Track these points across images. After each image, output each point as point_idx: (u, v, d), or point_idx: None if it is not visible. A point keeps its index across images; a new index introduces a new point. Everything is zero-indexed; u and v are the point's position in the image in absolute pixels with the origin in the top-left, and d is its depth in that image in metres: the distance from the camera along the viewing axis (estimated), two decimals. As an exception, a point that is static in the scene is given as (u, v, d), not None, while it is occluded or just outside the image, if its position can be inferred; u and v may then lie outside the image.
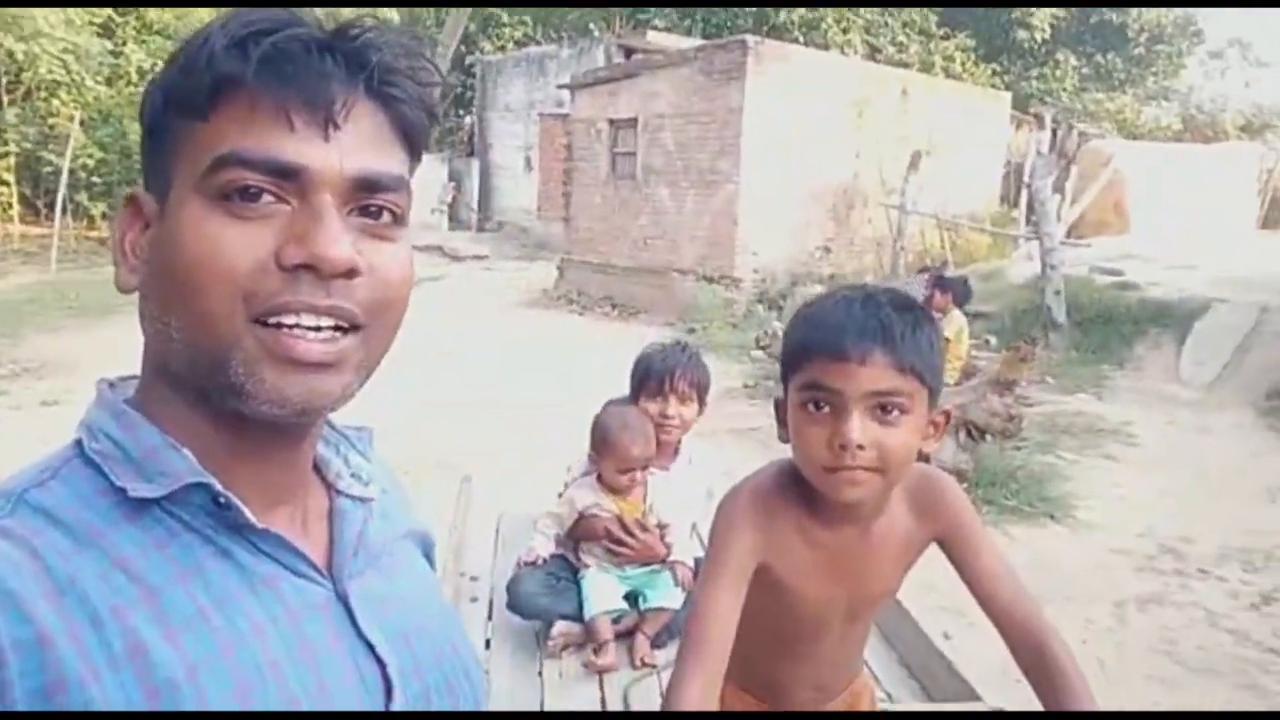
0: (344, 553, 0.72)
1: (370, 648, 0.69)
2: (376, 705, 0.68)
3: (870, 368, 1.14)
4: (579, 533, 2.33)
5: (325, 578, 0.70)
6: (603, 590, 2.25)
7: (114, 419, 0.67)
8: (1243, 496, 5.82)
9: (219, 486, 0.64)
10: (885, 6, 18.76)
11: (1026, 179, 12.46)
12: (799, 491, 1.26)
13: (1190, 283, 10.60)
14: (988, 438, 5.60)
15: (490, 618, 2.33)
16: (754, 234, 11.91)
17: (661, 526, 2.32)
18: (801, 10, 18.09)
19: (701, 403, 2.51)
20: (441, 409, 7.03)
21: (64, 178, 14.26)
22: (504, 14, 22.58)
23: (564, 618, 2.24)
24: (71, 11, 15.07)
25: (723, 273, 11.98)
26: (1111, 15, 21.27)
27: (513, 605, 2.26)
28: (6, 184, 14.78)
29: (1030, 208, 11.98)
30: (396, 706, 0.69)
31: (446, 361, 8.76)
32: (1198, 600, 4.36)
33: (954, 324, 6.48)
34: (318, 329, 0.63)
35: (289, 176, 0.62)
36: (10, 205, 15.39)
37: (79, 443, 0.66)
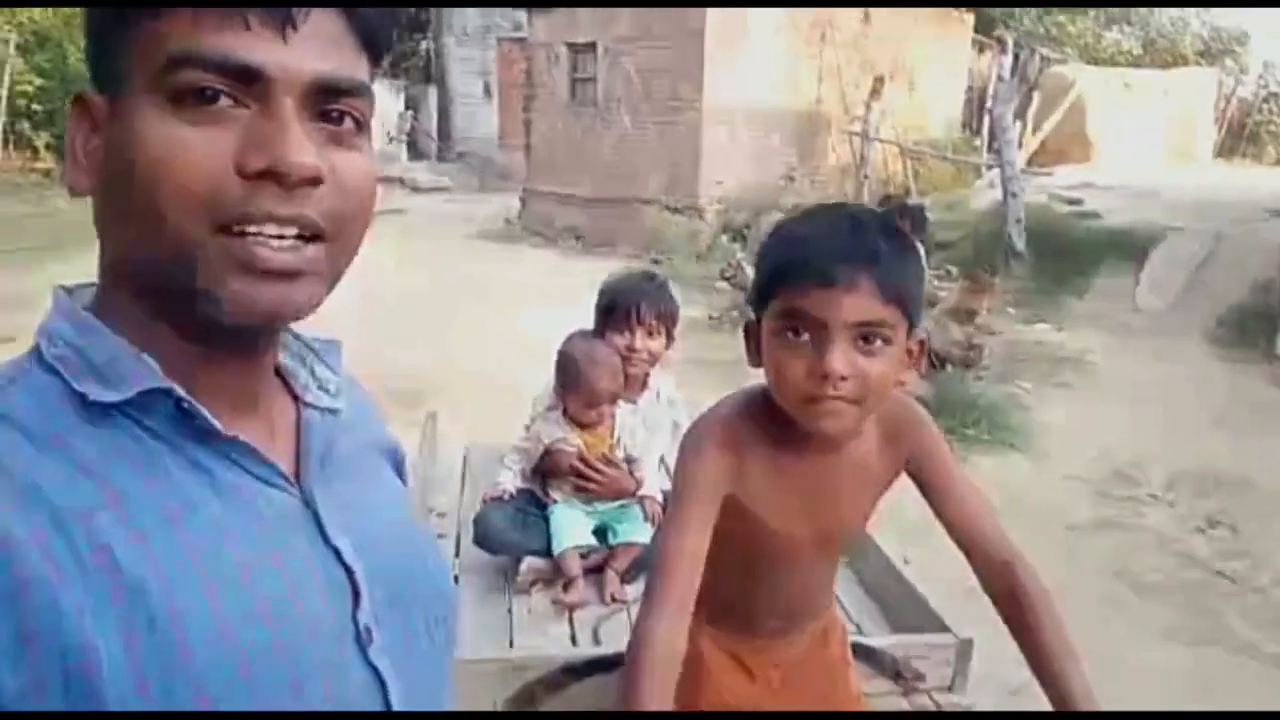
0: (311, 462, 0.72)
1: (337, 554, 0.69)
2: (344, 610, 0.68)
3: (857, 296, 1.08)
4: (545, 467, 2.31)
5: (293, 486, 0.70)
6: (571, 525, 2.23)
7: (73, 325, 0.66)
8: (1193, 422, 5.98)
9: (182, 392, 0.63)
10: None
11: (989, 105, 12.42)
12: (768, 419, 1.21)
13: (1148, 210, 10.72)
14: (948, 367, 5.68)
15: (458, 554, 2.31)
16: (717, 162, 11.80)
17: (630, 460, 2.30)
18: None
19: (669, 335, 2.46)
20: (405, 342, 6.96)
21: (1, 106, 13.67)
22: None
23: (532, 553, 2.22)
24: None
25: (687, 202, 11.89)
26: (1077, -63, 21.04)
27: (479, 540, 2.24)
28: (-60, 111, 14.15)
29: (992, 135, 11.97)
30: (363, 612, 0.69)
31: (409, 296, 8.65)
32: (1148, 524, 4.50)
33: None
34: (281, 238, 0.62)
35: (247, 78, 0.60)
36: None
37: (38, 349, 0.65)
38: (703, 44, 11.36)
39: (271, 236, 0.62)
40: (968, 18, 16.11)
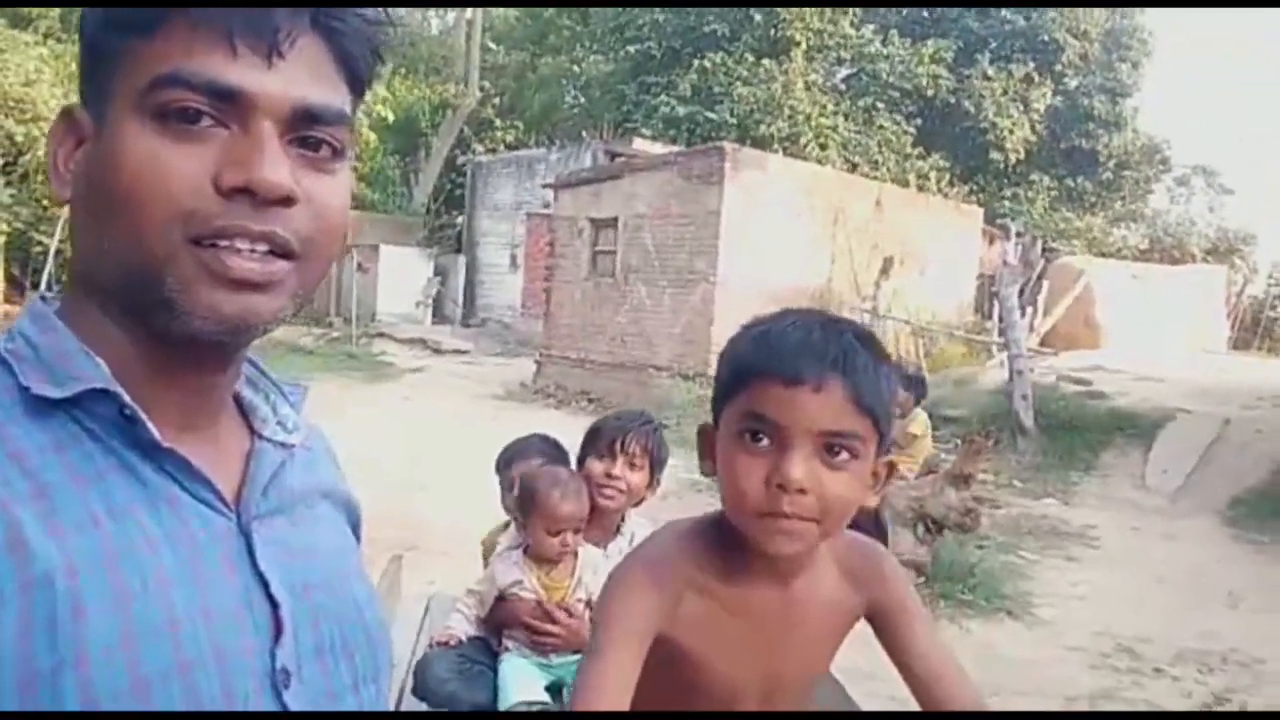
0: (253, 489, 0.71)
1: (265, 586, 0.68)
2: (264, 644, 0.66)
3: (825, 399, 0.99)
4: (499, 616, 2.14)
5: (230, 510, 0.69)
6: (521, 679, 2.05)
7: (33, 322, 0.68)
8: (1203, 601, 5.79)
9: (126, 398, 0.63)
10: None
11: (994, 288, 12.76)
12: (716, 548, 1.09)
13: (1157, 394, 10.75)
14: (945, 532, 5.59)
15: (399, 706, 2.11)
16: (729, 333, 11.92)
17: (591, 606, 2.04)
18: (781, 124, 18.77)
19: (653, 475, 2.26)
20: (398, 491, 6.97)
21: (50, 257, 14.38)
22: (496, 118, 23.32)
23: (475, 707, 2.03)
24: (74, 96, 15.47)
25: (698, 370, 12.08)
26: (1082, 141, 22.17)
27: (419, 690, 2.07)
28: (-9, 260, 14.91)
29: (1002, 317, 12.23)
30: (284, 650, 0.67)
31: (419, 449, 8.72)
32: (1150, 698, 4.29)
33: (919, 420, 6.50)
34: (252, 251, 0.64)
35: (229, 100, 0.63)
36: (-6, 284, 15.46)
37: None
38: (719, 222, 11.88)
39: (242, 249, 0.64)
40: (976, 210, 16.79)
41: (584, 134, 20.94)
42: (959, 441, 9.36)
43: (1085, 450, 9.48)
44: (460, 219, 22.04)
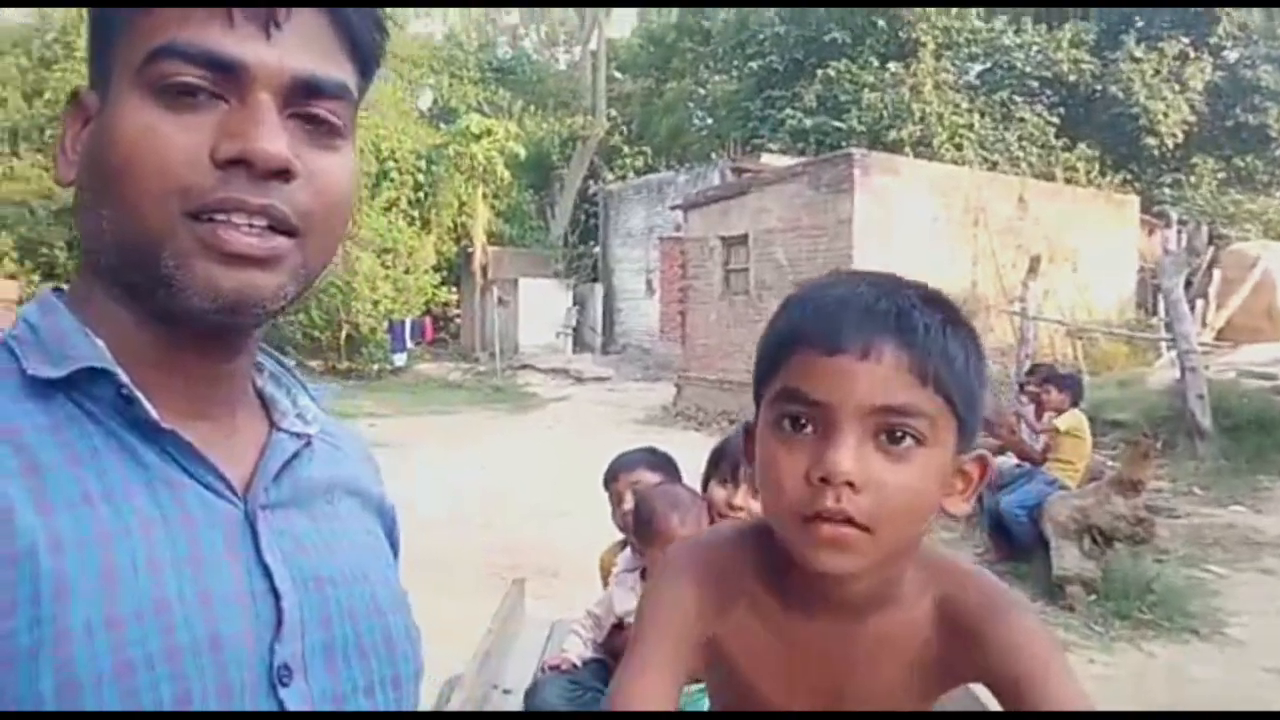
0: (263, 476, 0.69)
1: (270, 577, 0.65)
2: (265, 636, 0.64)
3: (876, 367, 0.79)
4: (616, 644, 2.07)
5: (238, 497, 0.67)
6: None
7: (37, 307, 0.68)
8: None
9: (123, 377, 0.62)
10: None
11: (1156, 280, 11.91)
12: (762, 556, 0.91)
13: (1355, 386, 9.73)
14: (1115, 544, 5.20)
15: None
16: (870, 345, 11.71)
17: None
18: (913, 127, 18.21)
19: None
20: (553, 519, 7.06)
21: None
22: (625, 145, 23.64)
23: None
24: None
25: (839, 384, 11.80)
26: (1249, 117, 20.48)
27: (529, 714, 2.03)
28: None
29: (1168, 311, 11.39)
30: (286, 645, 0.64)
31: (562, 476, 8.84)
32: (1370, 726, 3.83)
33: (1073, 420, 6.05)
34: (250, 226, 0.62)
35: (226, 72, 0.62)
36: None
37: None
38: (852, 231, 11.60)
39: (240, 224, 0.62)
40: (1131, 199, 15.78)
41: (712, 154, 20.96)
42: (1125, 446, 8.77)
43: (1276, 451, 8.65)
44: (595, 248, 22.40)
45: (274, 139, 0.62)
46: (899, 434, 0.80)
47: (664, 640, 0.89)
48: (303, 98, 0.65)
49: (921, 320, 0.81)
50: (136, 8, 0.63)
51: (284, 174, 0.63)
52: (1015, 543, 5.85)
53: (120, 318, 0.66)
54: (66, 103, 0.69)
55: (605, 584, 2.30)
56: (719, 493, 2.08)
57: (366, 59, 0.70)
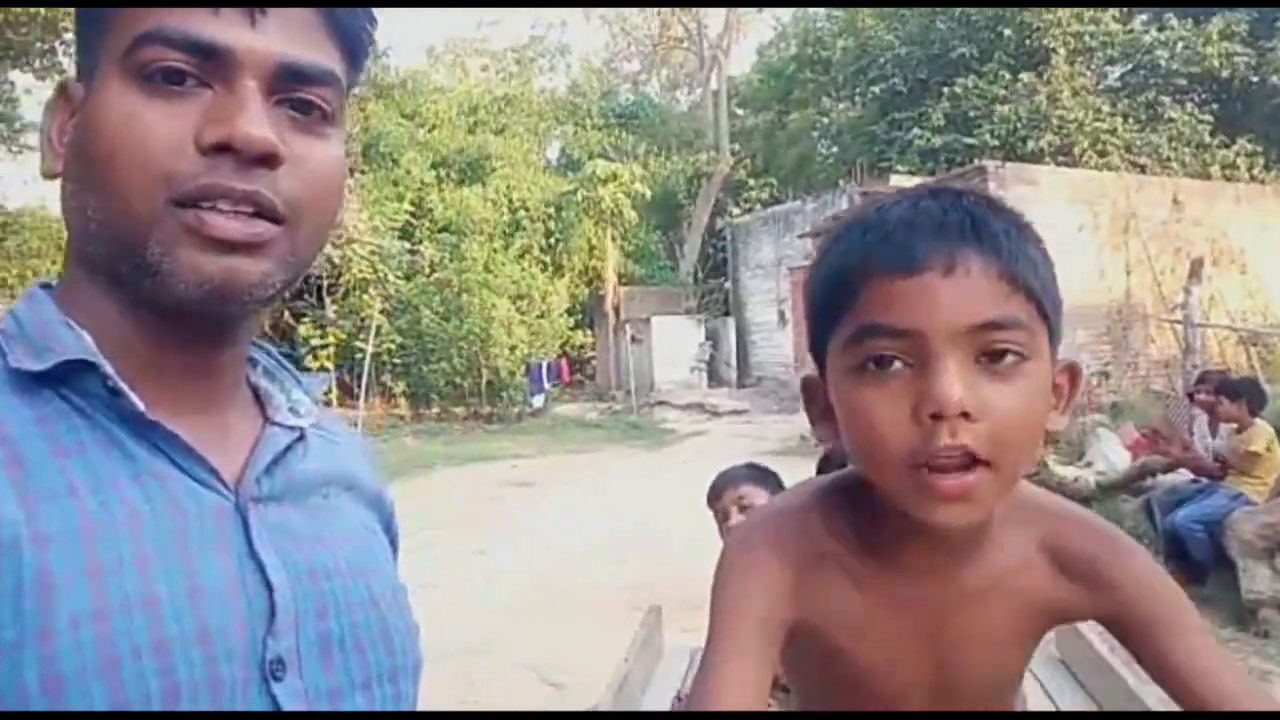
0: (255, 468, 0.69)
1: (261, 569, 0.64)
2: (257, 629, 0.63)
3: (965, 281, 0.71)
4: None
5: (229, 490, 0.66)
6: None
7: (25, 301, 0.68)
8: None
9: (108, 369, 0.62)
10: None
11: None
12: (847, 514, 0.84)
13: None
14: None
15: None
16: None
17: None
18: (1051, 137, 17.44)
19: None
20: (696, 552, 6.98)
21: (368, 362, 16.22)
22: (750, 179, 23.61)
23: None
24: (376, 219, 17.58)
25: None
26: None
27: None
28: (327, 369, 17.01)
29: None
30: (280, 639, 0.63)
31: (703, 510, 8.75)
32: None
33: (1262, 436, 5.43)
34: (236, 213, 0.62)
35: (211, 58, 0.62)
36: (330, 389, 17.64)
37: None
38: (990, 246, 11.17)
39: (226, 210, 0.62)
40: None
41: (839, 182, 20.68)
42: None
43: None
44: (725, 282, 22.38)
45: (259, 124, 0.61)
46: (1001, 351, 0.72)
47: (744, 624, 0.80)
48: (289, 84, 0.64)
49: (1001, 225, 0.75)
50: (125, 6, 0.63)
51: (270, 160, 0.62)
52: (1191, 562, 5.38)
53: (107, 310, 0.66)
54: (54, 93, 0.69)
55: None
56: None
57: (354, 47, 0.69)
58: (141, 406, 0.63)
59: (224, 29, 0.62)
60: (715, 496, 2.38)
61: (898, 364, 0.73)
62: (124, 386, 0.62)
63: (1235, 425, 5.51)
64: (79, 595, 0.56)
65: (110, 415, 0.63)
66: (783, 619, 0.82)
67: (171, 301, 0.63)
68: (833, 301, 0.77)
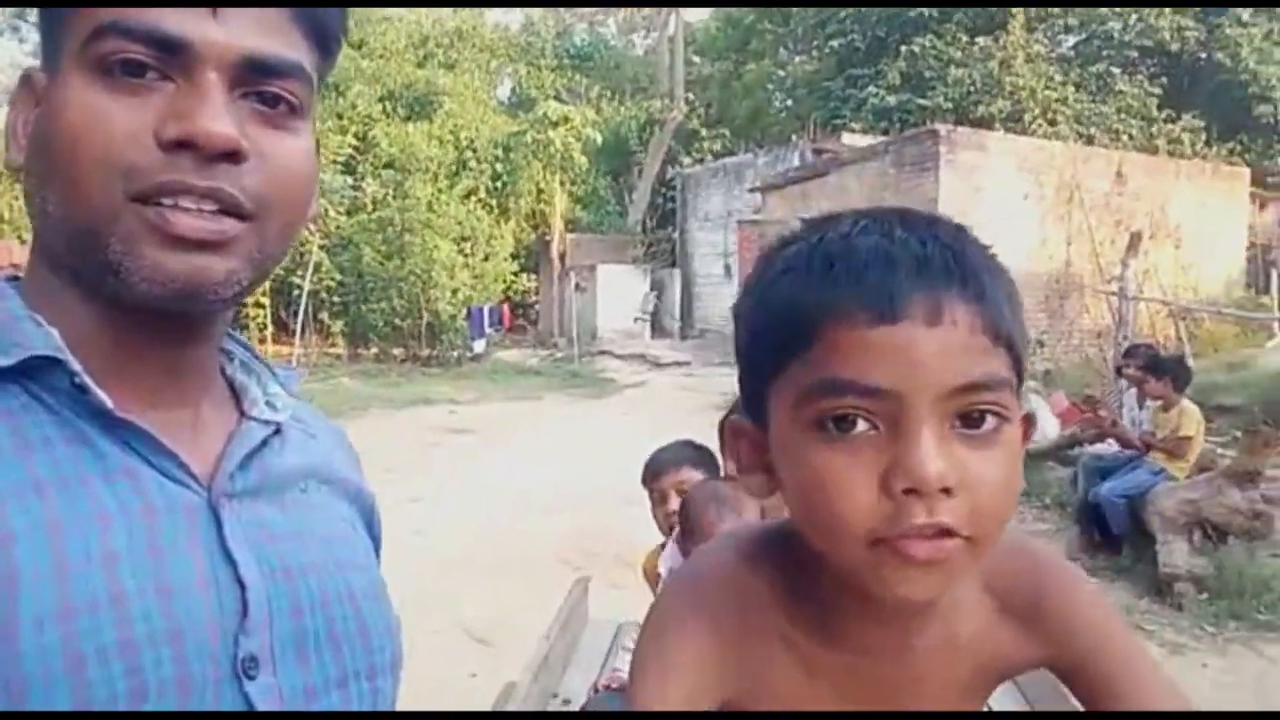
0: (228, 464, 0.67)
1: (235, 567, 0.63)
2: (229, 626, 0.61)
3: (951, 333, 0.61)
4: None
5: (201, 486, 0.65)
6: None
7: None
8: None
9: (75, 365, 0.60)
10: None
11: (1270, 256, 11.20)
12: (789, 577, 0.74)
13: None
14: (1229, 539, 4.85)
15: None
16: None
17: None
18: (1003, 103, 17.52)
19: None
20: (630, 506, 6.98)
21: (305, 299, 15.83)
22: (703, 129, 23.38)
23: None
24: (320, 152, 17.06)
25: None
26: (1370, 82, 19.20)
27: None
28: (262, 306, 16.54)
29: (1280, 290, 10.71)
30: (252, 637, 0.62)
31: (637, 462, 8.76)
32: None
33: (1192, 419, 5.43)
34: (200, 211, 0.61)
35: (172, 50, 0.60)
36: (265, 325, 17.20)
37: None
38: (937, 210, 11.12)
39: (189, 208, 0.60)
40: (1241, 171, 14.91)
41: (792, 136, 20.58)
42: (1237, 434, 8.24)
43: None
44: (673, 233, 22.24)
45: (220, 120, 0.60)
46: (980, 415, 0.63)
47: (668, 698, 0.71)
48: (253, 77, 0.63)
49: (979, 261, 0.64)
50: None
51: (233, 156, 0.61)
52: (1110, 534, 5.51)
53: (72, 306, 0.64)
54: (19, 85, 0.67)
55: (654, 589, 2.15)
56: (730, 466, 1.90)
57: (325, 38, 0.68)
58: (110, 403, 0.61)
59: (184, 20, 0.61)
60: (653, 477, 2.29)
61: (863, 425, 0.63)
62: (90, 383, 0.61)
63: (1161, 402, 5.61)
64: (45, 594, 0.55)
65: (78, 411, 0.62)
66: (711, 696, 0.73)
67: (134, 300, 0.61)
68: (783, 343, 0.65)
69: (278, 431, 0.73)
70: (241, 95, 0.63)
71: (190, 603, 0.60)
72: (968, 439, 0.63)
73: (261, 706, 0.61)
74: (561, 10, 28.90)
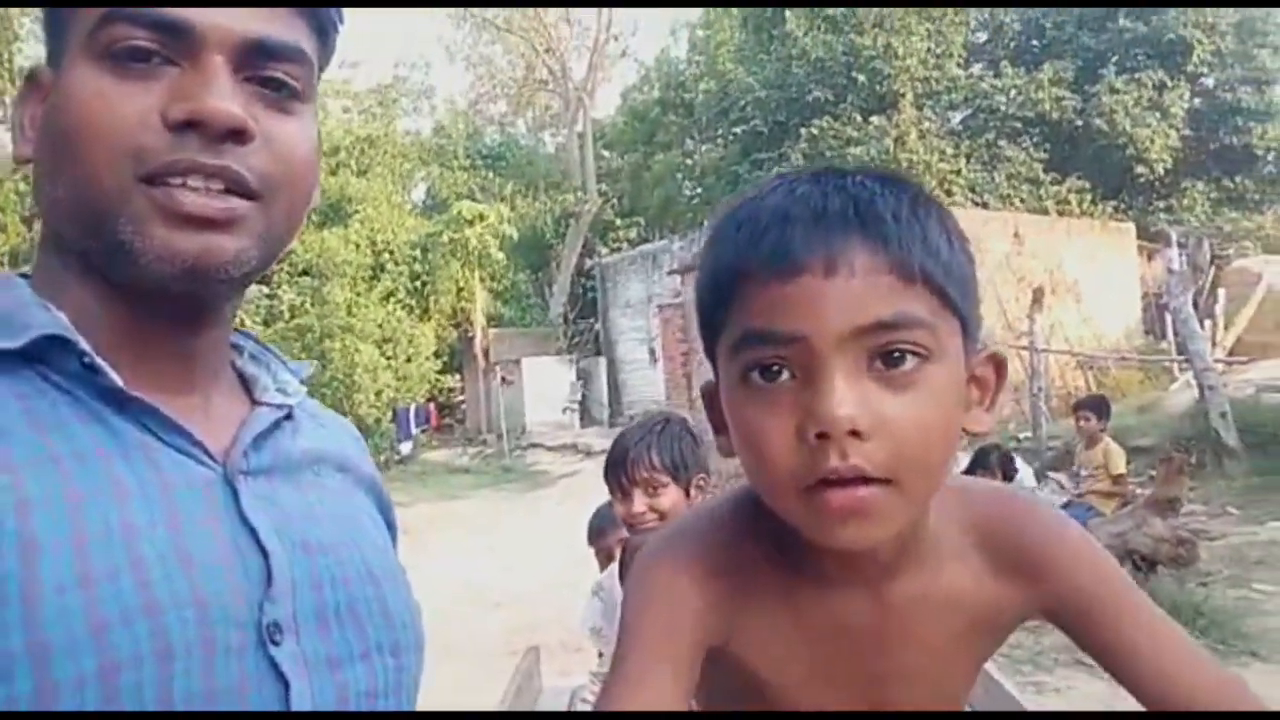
0: (242, 441, 0.68)
1: (255, 536, 0.64)
2: (255, 594, 0.62)
3: (850, 279, 0.63)
4: None
5: (216, 463, 0.65)
6: None
7: None
8: None
9: (84, 344, 0.61)
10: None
11: (1163, 300, 11.80)
12: (758, 535, 0.74)
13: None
14: (1158, 568, 4.97)
15: None
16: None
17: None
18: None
19: (682, 481, 1.91)
20: (572, 591, 6.84)
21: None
22: (617, 219, 23.82)
23: None
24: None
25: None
26: (1233, 138, 20.62)
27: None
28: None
29: (1177, 332, 11.25)
30: (277, 605, 0.62)
31: (578, 550, 8.63)
32: None
33: (1116, 454, 5.83)
34: (208, 190, 0.61)
35: (177, 35, 0.61)
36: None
37: None
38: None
39: (197, 187, 0.61)
40: (1127, 226, 15.78)
41: (704, 221, 21.08)
42: (1152, 473, 8.53)
43: (1306, 464, 8.41)
44: (595, 322, 22.41)
45: (226, 99, 0.61)
46: (896, 353, 0.63)
47: (655, 658, 0.70)
48: (257, 60, 0.64)
49: (888, 206, 0.65)
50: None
51: (239, 135, 0.62)
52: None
53: (81, 292, 0.65)
54: (24, 81, 0.68)
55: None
56: (620, 509, 1.92)
57: (323, 23, 0.69)
58: (120, 382, 0.62)
59: (189, 5, 0.62)
60: (597, 535, 2.26)
61: (784, 375, 0.65)
62: (101, 362, 0.61)
63: (1090, 439, 5.81)
64: (65, 562, 0.54)
65: (90, 392, 0.62)
66: (700, 641, 0.72)
67: (144, 280, 0.62)
68: (715, 304, 0.70)
69: (289, 416, 0.73)
70: (245, 79, 0.64)
71: (213, 572, 0.60)
72: (887, 380, 0.63)
73: (288, 672, 0.61)
74: (471, 113, 29.44)
